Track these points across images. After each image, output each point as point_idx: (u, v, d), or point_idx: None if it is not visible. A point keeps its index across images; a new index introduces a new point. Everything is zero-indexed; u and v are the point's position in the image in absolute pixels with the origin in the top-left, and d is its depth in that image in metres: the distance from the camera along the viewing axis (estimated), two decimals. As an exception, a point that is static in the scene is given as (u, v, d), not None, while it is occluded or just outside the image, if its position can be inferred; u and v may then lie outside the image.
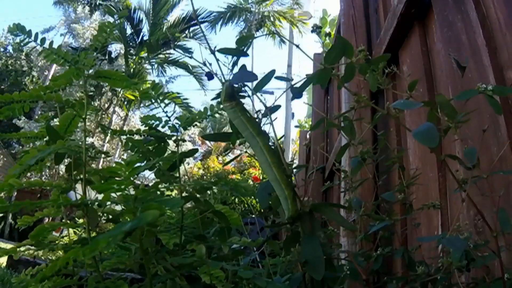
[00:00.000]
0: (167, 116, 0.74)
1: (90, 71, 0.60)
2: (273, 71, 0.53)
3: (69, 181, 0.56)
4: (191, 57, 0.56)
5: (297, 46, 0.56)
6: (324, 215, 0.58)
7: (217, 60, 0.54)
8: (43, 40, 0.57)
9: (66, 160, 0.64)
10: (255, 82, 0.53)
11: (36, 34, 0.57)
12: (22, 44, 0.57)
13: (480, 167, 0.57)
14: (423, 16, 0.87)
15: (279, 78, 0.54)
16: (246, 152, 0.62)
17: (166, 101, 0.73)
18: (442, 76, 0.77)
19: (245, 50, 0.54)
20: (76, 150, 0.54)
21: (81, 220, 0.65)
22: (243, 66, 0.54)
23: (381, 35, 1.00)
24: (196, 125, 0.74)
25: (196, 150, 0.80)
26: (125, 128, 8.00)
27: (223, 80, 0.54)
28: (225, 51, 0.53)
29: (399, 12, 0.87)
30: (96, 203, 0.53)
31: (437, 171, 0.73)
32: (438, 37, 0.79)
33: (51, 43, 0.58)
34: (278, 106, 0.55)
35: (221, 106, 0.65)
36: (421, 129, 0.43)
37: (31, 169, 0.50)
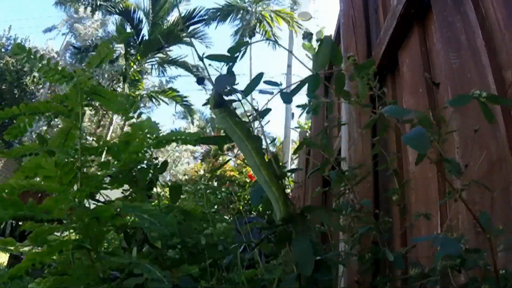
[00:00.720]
0: (145, 134, 0.71)
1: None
2: (261, 74, 0.53)
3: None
4: (191, 64, 0.56)
5: (290, 51, 0.56)
6: (314, 217, 0.59)
7: (208, 65, 0.54)
8: (41, 57, 0.58)
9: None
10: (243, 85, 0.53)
11: (35, 52, 0.58)
12: (23, 62, 0.58)
13: (478, 167, 0.58)
14: (423, 17, 0.87)
15: (269, 82, 0.54)
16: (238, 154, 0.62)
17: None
18: (442, 76, 0.78)
19: (238, 56, 0.53)
20: (70, 161, 0.54)
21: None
22: (232, 72, 0.53)
23: (381, 36, 1.00)
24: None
25: (166, 164, 0.78)
26: (125, 128, 8.02)
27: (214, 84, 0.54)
28: (214, 57, 0.53)
29: (398, 13, 0.87)
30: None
31: (436, 170, 0.73)
32: (438, 38, 0.79)
33: (49, 59, 0.59)
34: (269, 110, 0.55)
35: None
36: (412, 134, 0.42)
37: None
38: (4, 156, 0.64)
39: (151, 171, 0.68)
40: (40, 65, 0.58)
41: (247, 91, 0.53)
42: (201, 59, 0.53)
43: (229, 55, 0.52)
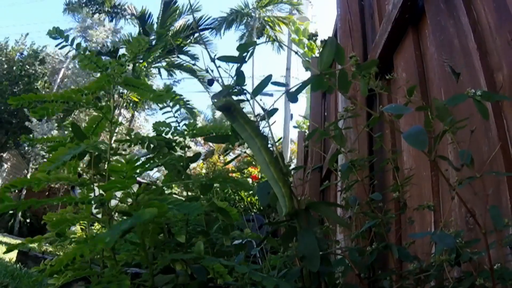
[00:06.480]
0: (177, 121, 0.78)
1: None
2: (269, 76, 0.56)
3: (90, 178, 0.58)
4: (194, 64, 0.59)
5: (296, 52, 0.59)
6: (319, 212, 0.61)
7: (217, 67, 0.57)
8: (78, 45, 0.59)
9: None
10: (252, 86, 0.56)
11: (73, 39, 0.59)
12: (59, 47, 0.59)
13: (470, 167, 0.59)
14: (417, 21, 0.90)
15: (276, 83, 0.57)
16: (245, 152, 0.65)
17: (173, 104, 0.77)
18: (435, 79, 0.80)
19: (247, 56, 0.55)
20: (102, 149, 0.57)
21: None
22: (241, 73, 0.56)
23: (376, 39, 1.03)
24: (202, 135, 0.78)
25: (199, 155, 0.84)
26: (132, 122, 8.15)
27: (224, 86, 0.57)
28: (224, 59, 0.55)
29: (393, 17, 0.90)
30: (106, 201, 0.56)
31: (430, 170, 0.76)
32: (431, 41, 0.82)
33: (86, 48, 0.60)
34: (276, 109, 0.58)
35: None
36: (412, 131, 0.44)
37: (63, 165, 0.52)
38: (27, 141, 0.66)
39: (183, 161, 0.72)
40: (76, 52, 0.60)
41: (256, 92, 0.55)
42: (212, 60, 0.56)
43: (238, 56, 0.55)
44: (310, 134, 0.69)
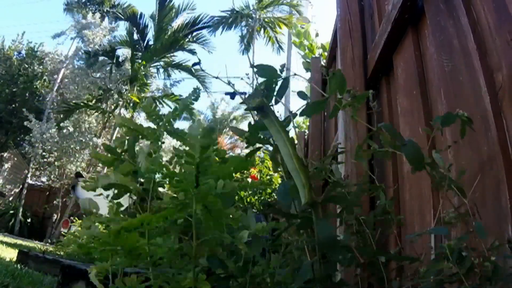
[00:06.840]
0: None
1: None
2: (287, 79, 0.62)
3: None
4: (212, 76, 0.65)
5: (302, 72, 0.61)
6: (335, 203, 0.64)
7: (254, 72, 0.62)
8: (153, 108, 0.74)
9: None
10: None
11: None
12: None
13: (471, 166, 0.60)
14: (416, 22, 0.90)
15: (300, 94, 0.64)
16: (262, 147, 0.70)
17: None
18: (435, 79, 0.80)
19: (281, 70, 0.62)
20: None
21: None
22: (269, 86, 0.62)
23: (376, 40, 1.03)
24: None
25: None
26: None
27: (243, 97, 0.64)
28: (261, 69, 0.61)
29: (393, 18, 0.90)
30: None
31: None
32: (431, 42, 0.82)
33: (155, 108, 0.76)
34: (296, 114, 0.63)
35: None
36: (410, 147, 0.49)
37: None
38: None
39: None
40: (146, 106, 0.75)
41: (280, 95, 0.63)
42: (252, 66, 0.63)
43: (273, 68, 0.62)
44: (315, 175, 0.75)
